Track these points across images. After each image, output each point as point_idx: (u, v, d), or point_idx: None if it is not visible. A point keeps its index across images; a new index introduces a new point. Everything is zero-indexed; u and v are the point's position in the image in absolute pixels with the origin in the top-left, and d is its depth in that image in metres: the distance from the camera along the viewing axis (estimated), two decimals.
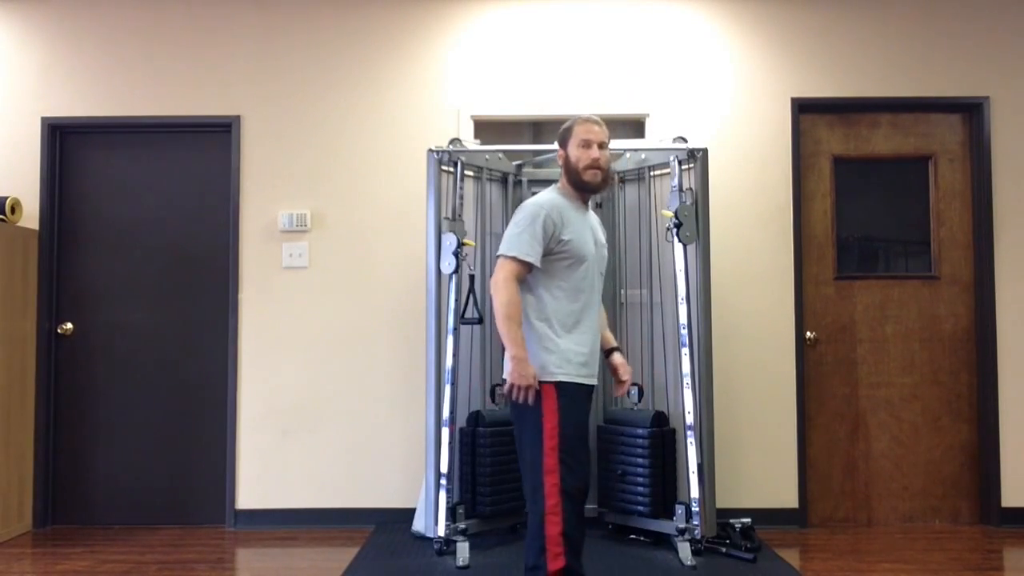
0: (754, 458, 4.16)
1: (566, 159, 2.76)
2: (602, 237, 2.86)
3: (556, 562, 2.54)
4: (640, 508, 3.65)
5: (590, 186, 2.74)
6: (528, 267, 2.65)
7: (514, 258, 2.64)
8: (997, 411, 4.17)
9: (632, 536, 3.78)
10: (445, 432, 3.53)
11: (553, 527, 2.55)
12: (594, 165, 2.71)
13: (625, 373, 2.88)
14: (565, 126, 2.80)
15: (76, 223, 4.31)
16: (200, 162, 4.34)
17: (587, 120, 2.77)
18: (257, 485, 4.19)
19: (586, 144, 2.72)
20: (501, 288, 2.63)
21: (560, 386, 2.62)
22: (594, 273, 2.75)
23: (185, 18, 4.32)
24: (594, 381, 2.73)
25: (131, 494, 4.23)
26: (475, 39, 4.32)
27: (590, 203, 2.88)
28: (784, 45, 4.29)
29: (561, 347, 2.65)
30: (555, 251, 2.67)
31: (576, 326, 2.69)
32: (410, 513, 4.01)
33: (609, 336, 2.96)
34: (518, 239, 2.66)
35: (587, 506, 3.56)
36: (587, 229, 2.75)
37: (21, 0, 4.32)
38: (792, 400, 4.18)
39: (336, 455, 4.19)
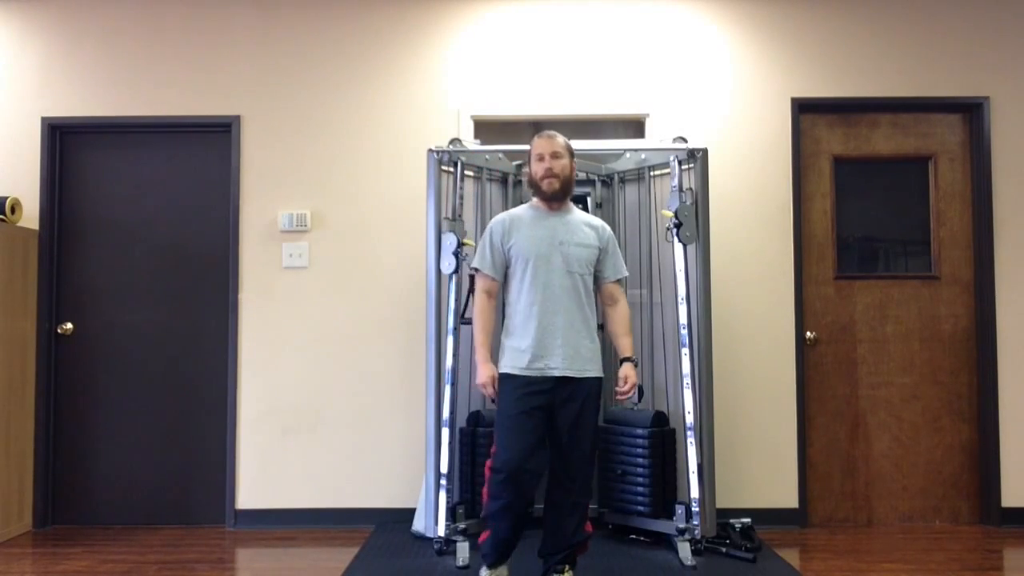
0: (754, 458, 4.16)
1: (530, 175, 3.13)
2: (577, 236, 3.07)
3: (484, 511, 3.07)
4: (640, 508, 3.65)
5: (547, 194, 3.07)
6: (490, 277, 3.09)
7: (476, 269, 3.13)
8: (997, 411, 4.17)
9: (632, 536, 3.78)
10: (445, 432, 3.53)
11: (484, 491, 3.04)
12: (547, 175, 3.05)
13: (623, 384, 3.08)
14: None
15: (76, 223, 4.31)
16: (200, 162, 4.34)
17: (539, 136, 3.14)
18: (257, 485, 4.19)
19: (539, 158, 3.08)
20: (475, 300, 3.14)
21: (503, 377, 3.02)
22: (547, 270, 3.00)
23: (185, 18, 4.32)
24: (542, 373, 2.96)
25: (131, 494, 4.23)
26: (475, 39, 4.32)
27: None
28: (784, 45, 4.29)
29: (507, 344, 3.04)
30: (508, 256, 3.08)
31: (526, 322, 3.00)
32: (410, 513, 4.01)
33: (622, 344, 3.16)
34: (478, 252, 3.14)
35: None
36: (543, 229, 3.04)
37: (21, 0, 4.32)
38: (792, 400, 4.18)
39: (336, 455, 4.19)
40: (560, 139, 3.10)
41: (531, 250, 3.02)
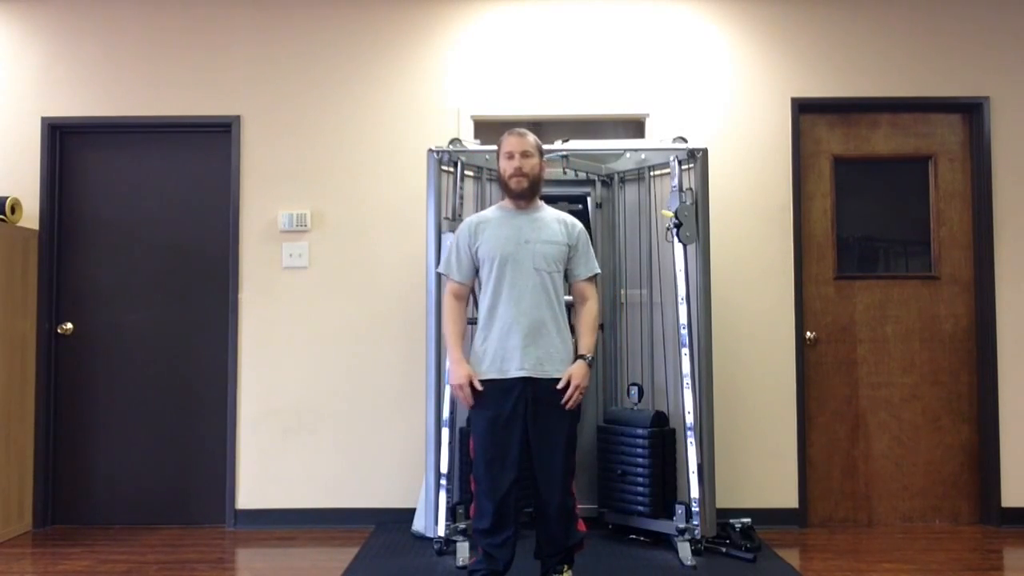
0: (754, 458, 4.16)
1: (499, 172, 3.09)
2: (544, 234, 3.00)
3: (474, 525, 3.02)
4: (640, 508, 3.65)
5: (515, 192, 3.02)
6: (457, 282, 3.05)
7: (440, 274, 3.12)
8: (997, 411, 4.17)
9: (632, 536, 3.78)
10: (445, 432, 3.53)
11: (472, 508, 3.05)
12: (516, 174, 3.01)
13: (564, 383, 2.91)
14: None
15: (76, 223, 4.31)
16: (200, 162, 4.34)
17: (510, 133, 3.08)
18: (257, 485, 4.19)
19: (509, 156, 3.03)
20: (443, 304, 3.14)
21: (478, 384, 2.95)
22: (513, 269, 2.95)
23: (185, 18, 4.32)
24: (506, 374, 2.91)
25: (131, 494, 4.23)
26: (475, 39, 4.32)
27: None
28: (784, 45, 4.29)
29: (475, 348, 3.00)
30: (477, 259, 3.03)
31: (490, 323, 2.97)
32: (410, 513, 4.01)
33: (582, 343, 3.02)
34: (444, 257, 3.12)
35: (587, 506, 3.56)
36: (509, 228, 3.00)
37: (21, 0, 4.32)
38: (792, 400, 4.18)
39: (336, 455, 4.19)
40: (531, 137, 3.06)
41: (496, 250, 2.97)
